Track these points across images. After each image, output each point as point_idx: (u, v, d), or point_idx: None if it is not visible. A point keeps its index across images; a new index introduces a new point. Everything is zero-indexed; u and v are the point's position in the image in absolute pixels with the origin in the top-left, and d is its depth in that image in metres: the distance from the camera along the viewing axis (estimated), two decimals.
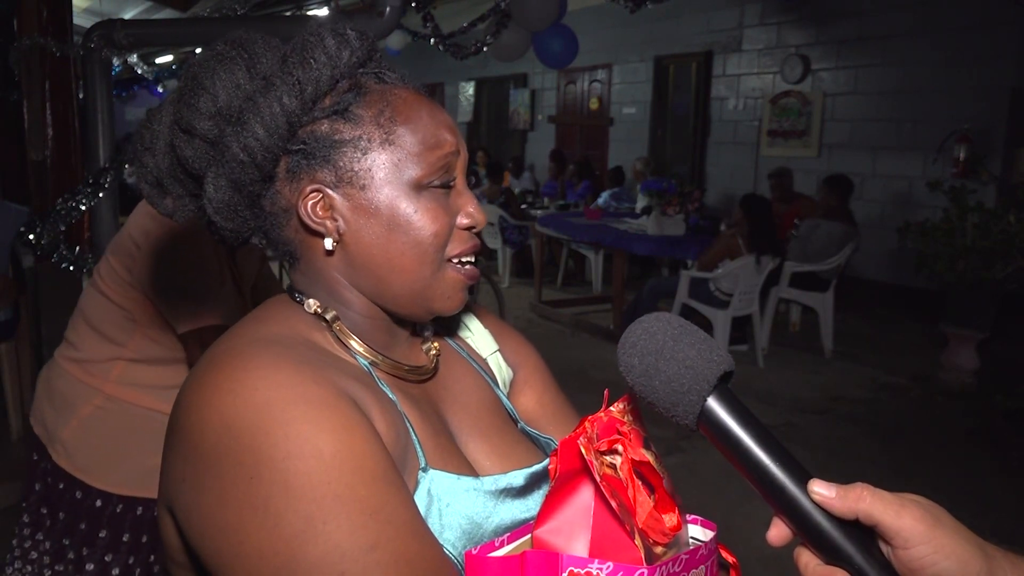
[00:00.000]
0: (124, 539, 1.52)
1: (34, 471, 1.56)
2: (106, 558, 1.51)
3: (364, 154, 0.68)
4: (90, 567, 1.51)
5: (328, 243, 0.69)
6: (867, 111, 6.73)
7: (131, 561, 1.53)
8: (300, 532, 0.55)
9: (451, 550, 0.64)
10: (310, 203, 0.68)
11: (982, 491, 3.25)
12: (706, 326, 4.69)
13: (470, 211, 0.73)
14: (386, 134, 0.68)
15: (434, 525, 0.65)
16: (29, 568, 1.55)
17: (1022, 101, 5.72)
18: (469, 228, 0.74)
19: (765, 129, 7.60)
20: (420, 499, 0.65)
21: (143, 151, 0.73)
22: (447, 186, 0.72)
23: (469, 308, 0.92)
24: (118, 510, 1.52)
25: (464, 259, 0.73)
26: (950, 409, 4.24)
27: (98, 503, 1.51)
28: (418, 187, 0.69)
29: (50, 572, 1.53)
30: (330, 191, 0.68)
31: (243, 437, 0.58)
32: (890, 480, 3.28)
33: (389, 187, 0.68)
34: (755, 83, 7.75)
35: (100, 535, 1.51)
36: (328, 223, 0.69)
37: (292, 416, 0.58)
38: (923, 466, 3.48)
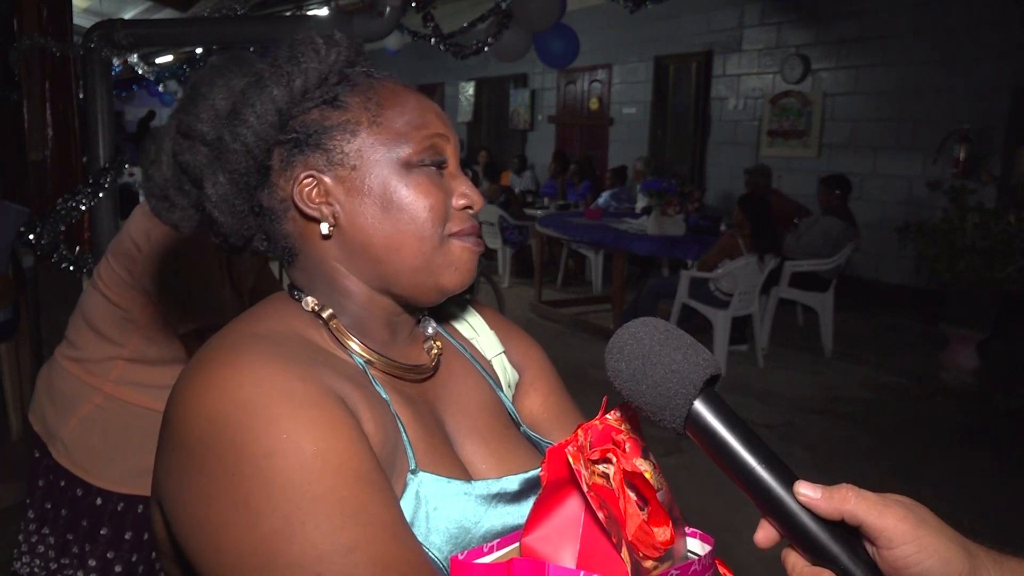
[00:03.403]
0: (126, 537, 1.53)
1: (37, 468, 1.58)
2: (108, 555, 1.53)
3: (353, 136, 0.70)
4: (92, 563, 1.52)
5: (324, 227, 0.70)
6: (867, 111, 6.72)
7: (134, 559, 1.54)
8: (278, 531, 0.55)
9: (436, 554, 0.64)
10: (305, 189, 0.70)
11: (982, 491, 3.24)
12: (706, 326, 4.70)
13: (465, 191, 0.74)
14: (373, 116, 0.70)
15: (421, 528, 0.64)
16: (38, 562, 1.57)
17: (1022, 101, 5.71)
18: (466, 208, 0.75)
19: (765, 129, 7.60)
20: (408, 501, 0.65)
21: (149, 164, 0.75)
22: (439, 166, 0.73)
23: (475, 308, 0.92)
24: (119, 508, 1.53)
25: (465, 236, 0.74)
26: (950, 409, 4.23)
27: (98, 501, 1.52)
28: (408, 165, 0.71)
29: (56, 566, 1.55)
30: (323, 175, 0.70)
31: (226, 433, 0.58)
32: (890, 480, 3.28)
33: (379, 166, 0.70)
34: (755, 83, 7.74)
35: (101, 532, 1.52)
36: (324, 208, 0.70)
37: (275, 414, 0.58)
38: (923, 466, 3.48)
